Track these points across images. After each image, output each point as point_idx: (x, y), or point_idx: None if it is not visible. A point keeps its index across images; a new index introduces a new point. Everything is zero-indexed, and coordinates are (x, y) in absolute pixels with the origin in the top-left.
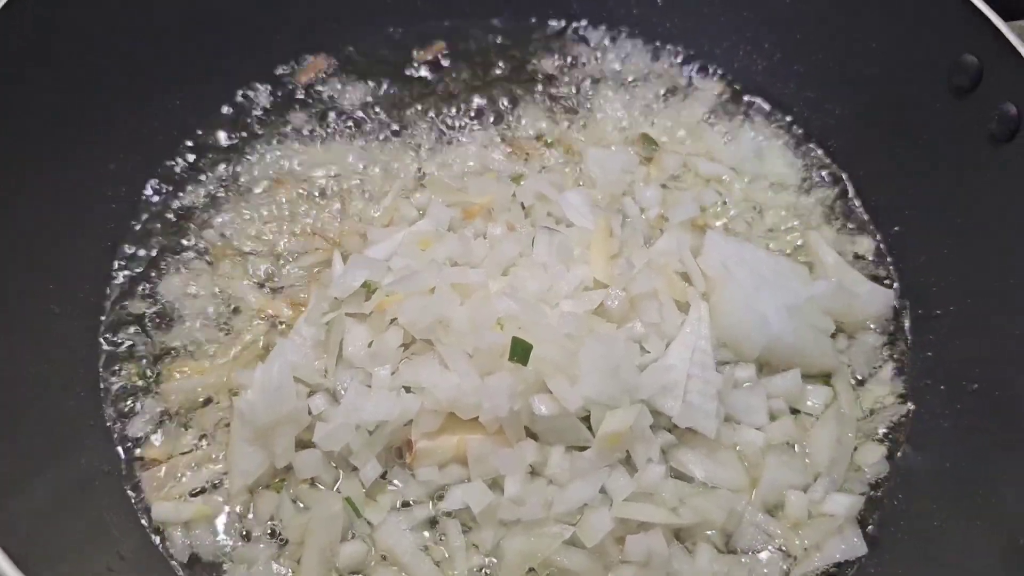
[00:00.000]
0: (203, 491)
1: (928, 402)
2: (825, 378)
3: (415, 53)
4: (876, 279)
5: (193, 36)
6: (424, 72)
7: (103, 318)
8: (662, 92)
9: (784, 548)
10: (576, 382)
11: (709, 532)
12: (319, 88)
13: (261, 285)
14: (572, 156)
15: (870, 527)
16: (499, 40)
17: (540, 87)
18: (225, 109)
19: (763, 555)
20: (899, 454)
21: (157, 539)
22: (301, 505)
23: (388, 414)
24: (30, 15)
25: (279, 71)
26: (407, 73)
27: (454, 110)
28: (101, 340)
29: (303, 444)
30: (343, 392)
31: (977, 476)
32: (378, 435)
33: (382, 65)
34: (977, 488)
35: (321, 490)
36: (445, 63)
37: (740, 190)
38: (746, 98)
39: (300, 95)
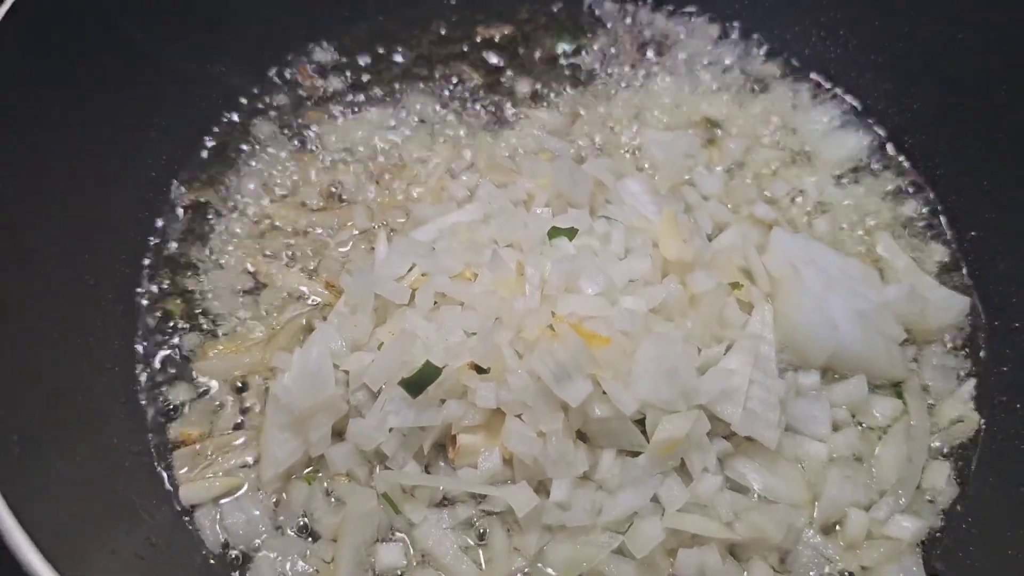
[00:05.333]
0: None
1: (1002, 421)
2: (895, 389)
3: (478, 30)
4: (949, 286)
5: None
6: (481, 51)
7: (138, 290)
8: (727, 75)
9: (844, 571)
10: (631, 383)
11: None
12: (367, 62)
13: (298, 264)
14: (631, 139)
15: (935, 553)
16: (559, 19)
17: (599, 67)
18: (271, 76)
19: None
20: (969, 476)
21: (188, 525)
22: (334, 500)
23: (430, 420)
24: None
25: (326, 41)
26: (462, 50)
27: (509, 89)
28: (136, 314)
29: (339, 433)
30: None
31: None
32: (415, 437)
33: (436, 40)
34: None
35: (356, 483)
36: (502, 42)
37: (807, 182)
38: (817, 86)
39: (347, 69)
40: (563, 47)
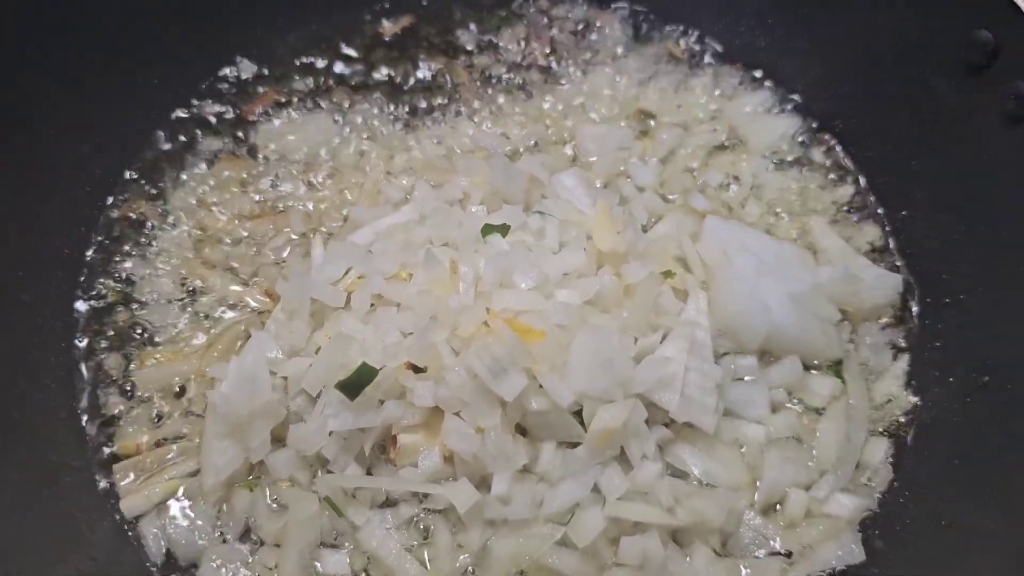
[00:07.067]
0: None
1: (936, 395)
2: (834, 368)
3: (384, 25)
4: (882, 266)
5: (169, 18)
6: (404, 46)
7: (75, 305)
8: (658, 66)
9: (784, 550)
10: (567, 375)
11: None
12: (298, 68)
13: (236, 272)
14: (564, 133)
15: (872, 529)
16: (484, 13)
17: (528, 61)
18: (203, 88)
19: (762, 559)
20: (904, 451)
21: (131, 538)
22: (275, 506)
23: (369, 422)
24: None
25: (257, 50)
26: (395, 51)
27: (440, 85)
28: (73, 329)
29: (280, 440)
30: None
31: (989, 475)
32: (356, 440)
33: (368, 43)
34: (989, 487)
35: (299, 488)
36: (432, 42)
37: (740, 169)
38: (748, 75)
39: (280, 76)
40: (499, 42)
